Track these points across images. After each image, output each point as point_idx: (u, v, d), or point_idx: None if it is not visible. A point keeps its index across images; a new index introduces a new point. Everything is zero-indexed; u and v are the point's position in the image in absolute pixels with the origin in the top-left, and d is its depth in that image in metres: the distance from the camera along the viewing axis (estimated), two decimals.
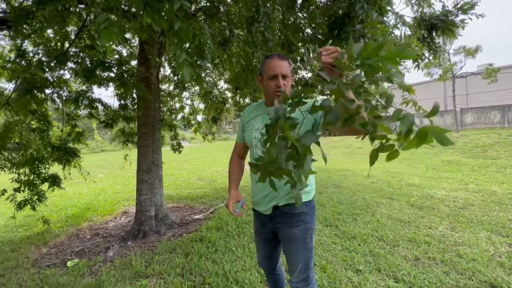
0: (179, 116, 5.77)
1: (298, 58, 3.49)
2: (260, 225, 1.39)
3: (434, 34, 2.07)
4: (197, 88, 5.26)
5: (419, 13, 2.13)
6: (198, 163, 11.00)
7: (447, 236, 2.67)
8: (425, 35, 2.10)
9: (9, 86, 3.58)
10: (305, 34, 2.32)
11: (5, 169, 2.89)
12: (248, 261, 2.37)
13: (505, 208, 3.39)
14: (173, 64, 4.85)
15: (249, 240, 2.83)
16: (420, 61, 2.14)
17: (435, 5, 2.15)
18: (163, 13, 1.08)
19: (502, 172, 5.77)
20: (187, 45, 1.22)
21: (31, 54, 2.97)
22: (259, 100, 1.38)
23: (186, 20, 1.09)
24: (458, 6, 1.98)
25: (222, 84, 5.69)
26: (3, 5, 3.79)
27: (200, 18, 3.14)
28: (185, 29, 1.08)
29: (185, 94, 5.61)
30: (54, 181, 3.03)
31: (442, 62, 15.43)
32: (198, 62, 1.12)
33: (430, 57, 2.22)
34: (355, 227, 3.00)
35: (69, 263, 2.55)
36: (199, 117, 6.01)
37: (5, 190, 2.88)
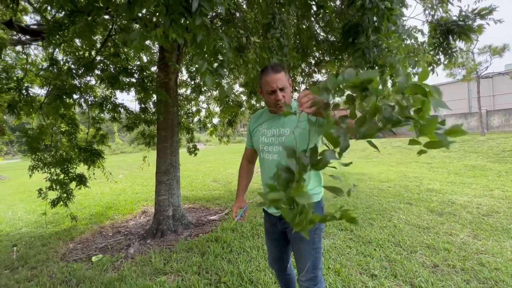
0: (196, 119, 5.94)
1: (313, 61, 3.52)
2: (270, 226, 1.44)
3: (450, 39, 2.03)
4: (214, 92, 5.40)
5: (435, 18, 2.10)
6: (213, 165, 11.19)
7: (469, 244, 2.57)
8: (441, 40, 2.06)
9: (41, 92, 3.87)
10: (320, 41, 2.35)
11: (38, 169, 3.12)
12: (262, 262, 2.41)
13: None
14: (190, 69, 5.03)
15: (263, 241, 2.87)
16: (435, 65, 2.11)
17: (451, 11, 2.11)
18: (185, 27, 1.17)
19: None
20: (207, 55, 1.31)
21: (61, 63, 3.21)
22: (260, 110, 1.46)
23: (206, 32, 1.18)
24: (476, 11, 1.93)
25: (237, 88, 5.80)
26: (38, 17, 4.11)
27: (217, 25, 3.26)
28: (206, 41, 1.16)
29: (201, 98, 5.78)
30: (81, 180, 3.24)
31: (465, 62, 14.77)
32: (218, 71, 1.20)
33: (445, 62, 2.18)
34: (371, 232, 2.96)
35: (93, 258, 2.71)
36: (215, 120, 6.15)
37: (41, 189, 3.13)
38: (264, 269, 2.28)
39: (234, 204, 1.41)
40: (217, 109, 5.98)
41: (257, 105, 5.60)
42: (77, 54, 3.35)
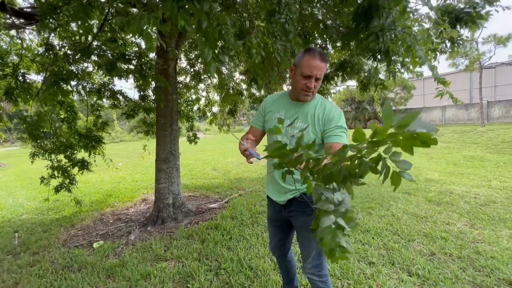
0: (195, 108, 5.87)
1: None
2: (274, 213, 1.44)
3: (458, 27, 1.97)
4: (214, 80, 5.31)
5: (444, 4, 2.03)
6: (213, 154, 11.20)
7: (466, 233, 2.61)
8: (449, 27, 2.00)
9: (38, 78, 3.80)
10: (328, 26, 2.27)
11: (39, 155, 3.12)
12: (261, 249, 2.45)
13: None
14: (189, 56, 4.93)
15: (262, 229, 2.90)
16: (438, 53, 2.06)
17: None
18: (191, 13, 1.12)
19: None
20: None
21: (57, 48, 3.13)
22: (278, 92, 1.40)
23: (212, 17, 1.13)
24: None
25: (237, 76, 5.70)
26: (31, 0, 3.98)
27: (216, 10, 3.16)
28: (211, 27, 1.11)
29: (201, 85, 5.69)
30: (83, 165, 3.24)
31: (469, 52, 14.52)
32: (219, 58, 1.15)
33: (450, 50, 2.12)
34: (369, 221, 2.99)
35: (95, 245, 2.75)
36: (215, 109, 6.09)
37: (43, 177, 3.14)
38: (264, 256, 2.31)
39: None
40: (217, 98, 5.91)
41: (258, 94, 5.53)
42: (73, 39, 3.26)
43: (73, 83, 3.31)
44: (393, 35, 1.56)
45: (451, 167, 6.17)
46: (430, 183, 4.61)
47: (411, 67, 1.99)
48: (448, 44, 2.08)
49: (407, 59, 1.85)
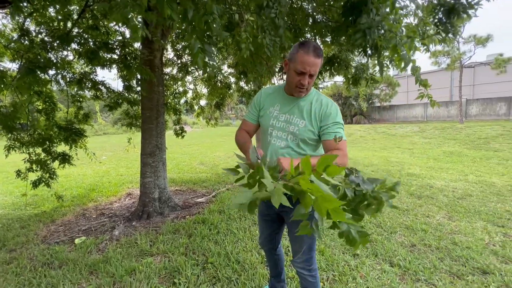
0: (182, 101, 5.75)
1: None
2: (265, 208, 1.43)
3: (452, 18, 2.01)
4: (200, 72, 5.20)
5: None
6: (200, 148, 11.07)
7: (444, 225, 2.73)
8: (443, 19, 2.04)
9: (13, 66, 3.57)
10: (317, 20, 2.25)
11: (15, 148, 2.95)
12: (249, 243, 2.46)
13: (503, 200, 3.44)
14: (176, 47, 4.79)
15: (250, 223, 2.92)
16: (432, 44, 2.11)
17: None
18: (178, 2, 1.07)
19: (503, 164, 5.79)
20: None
21: (33, 34, 2.94)
22: (270, 85, 1.38)
23: (198, 5, 1.08)
24: None
25: (225, 69, 5.62)
26: None
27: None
28: (197, 17, 1.07)
29: (188, 78, 5.57)
30: (64, 158, 3.11)
31: (451, 51, 15.04)
32: (205, 49, 1.11)
33: (447, 36, 2.17)
34: None
35: (76, 240, 2.66)
36: (202, 102, 5.99)
37: (19, 171, 2.98)
38: (251, 250, 2.33)
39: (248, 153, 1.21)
40: (205, 91, 5.81)
41: (246, 87, 5.48)
42: (50, 25, 3.07)
43: (51, 72, 3.14)
44: (382, 32, 1.57)
45: (431, 162, 6.43)
46: (412, 177, 4.78)
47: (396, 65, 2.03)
48: (443, 35, 2.13)
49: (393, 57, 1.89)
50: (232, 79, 5.46)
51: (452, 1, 2.01)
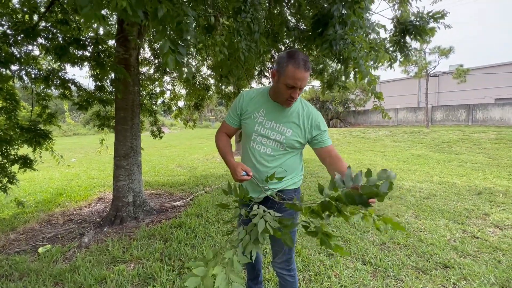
0: (159, 101, 5.59)
1: (282, 48, 3.51)
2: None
3: (407, 38, 2.19)
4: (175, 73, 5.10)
5: (396, 16, 2.23)
6: (178, 150, 10.81)
7: (411, 223, 2.91)
8: (400, 38, 2.21)
9: None
10: (291, 28, 2.33)
11: None
12: None
13: (463, 199, 3.74)
14: (153, 47, 4.66)
15: (228, 226, 2.90)
16: (392, 61, 2.28)
17: (412, 9, 2.25)
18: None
19: (463, 166, 6.30)
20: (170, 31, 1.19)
21: None
22: (252, 88, 1.39)
23: (170, 5, 1.06)
24: (430, 14, 2.10)
25: (205, 70, 5.56)
26: None
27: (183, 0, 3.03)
28: (169, 17, 1.04)
29: (166, 78, 5.44)
30: (25, 162, 2.86)
31: (418, 61, 16.12)
32: (178, 50, 1.09)
33: (401, 59, 2.36)
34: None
35: (40, 249, 2.47)
36: (181, 103, 5.87)
37: None
38: None
39: (235, 167, 1.19)
40: (183, 92, 5.70)
41: (226, 90, 5.46)
42: (14, 17, 2.85)
43: (14, 67, 2.91)
44: (347, 43, 1.67)
45: (401, 164, 6.82)
46: None
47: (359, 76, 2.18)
48: (398, 55, 2.30)
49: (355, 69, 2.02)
50: (212, 81, 5.42)
51: (408, 21, 2.19)
